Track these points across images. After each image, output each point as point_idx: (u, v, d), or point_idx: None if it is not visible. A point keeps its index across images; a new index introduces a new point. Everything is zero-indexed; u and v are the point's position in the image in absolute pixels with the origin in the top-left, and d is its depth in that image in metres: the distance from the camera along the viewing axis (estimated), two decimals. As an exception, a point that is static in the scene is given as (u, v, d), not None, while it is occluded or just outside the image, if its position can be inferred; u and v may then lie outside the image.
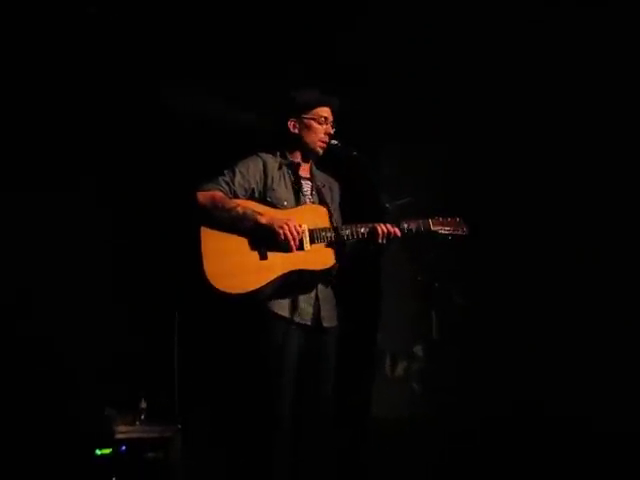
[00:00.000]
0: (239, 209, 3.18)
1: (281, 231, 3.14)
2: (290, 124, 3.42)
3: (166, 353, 4.43)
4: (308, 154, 3.46)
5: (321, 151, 3.44)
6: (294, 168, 3.43)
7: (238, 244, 3.17)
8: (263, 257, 3.16)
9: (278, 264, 3.16)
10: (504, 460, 4.39)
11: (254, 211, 3.19)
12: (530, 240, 4.59)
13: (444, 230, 3.37)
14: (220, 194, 3.21)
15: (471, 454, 4.49)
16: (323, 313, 3.29)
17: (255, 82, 4.72)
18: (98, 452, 4.02)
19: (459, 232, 3.39)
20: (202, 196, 3.20)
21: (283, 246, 3.15)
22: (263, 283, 3.13)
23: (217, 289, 3.06)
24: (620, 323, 4.22)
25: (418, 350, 5.28)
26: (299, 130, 3.41)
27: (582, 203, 4.46)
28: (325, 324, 3.30)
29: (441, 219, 3.38)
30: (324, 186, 3.51)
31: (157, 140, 4.70)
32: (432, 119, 5.16)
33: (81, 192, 4.50)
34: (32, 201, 4.31)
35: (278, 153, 3.44)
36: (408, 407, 5.16)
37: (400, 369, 5.35)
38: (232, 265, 3.12)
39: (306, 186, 3.44)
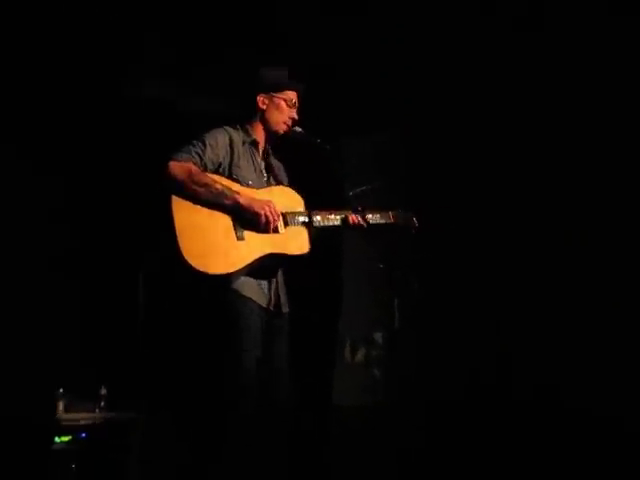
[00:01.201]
0: (217, 185, 3.12)
1: (262, 212, 3.12)
2: (259, 99, 3.37)
3: (127, 337, 4.40)
4: (269, 134, 3.43)
5: (282, 133, 3.41)
6: (256, 147, 3.41)
7: (213, 221, 3.10)
8: (240, 237, 3.12)
9: (256, 246, 3.13)
10: (465, 446, 4.45)
11: (231, 189, 3.15)
12: (494, 226, 4.62)
13: (401, 223, 3.44)
14: (195, 167, 3.13)
15: (432, 440, 4.54)
16: (282, 298, 3.30)
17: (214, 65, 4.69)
18: (57, 440, 4.00)
19: (411, 226, 3.46)
20: (177, 167, 3.10)
21: (261, 228, 3.14)
22: (241, 265, 3.08)
23: (194, 268, 2.98)
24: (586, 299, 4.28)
25: (378, 337, 5.33)
26: (267, 107, 3.38)
27: (550, 179, 4.48)
28: (283, 310, 3.31)
29: (398, 212, 3.46)
30: (278, 169, 3.52)
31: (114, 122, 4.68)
32: (387, 109, 5.18)
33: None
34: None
35: (240, 128, 3.39)
36: (369, 394, 5.20)
37: (360, 355, 5.39)
38: (209, 244, 3.05)
39: (264, 167, 3.43)
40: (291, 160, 3.59)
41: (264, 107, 3.39)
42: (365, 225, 3.36)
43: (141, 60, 4.73)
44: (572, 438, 4.09)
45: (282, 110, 3.38)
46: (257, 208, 3.13)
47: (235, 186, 3.19)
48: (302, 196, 3.40)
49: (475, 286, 4.65)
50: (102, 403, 4.22)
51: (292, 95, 3.40)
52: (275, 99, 3.37)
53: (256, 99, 3.38)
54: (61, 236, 4.49)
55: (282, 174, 3.52)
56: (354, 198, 3.46)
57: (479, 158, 4.79)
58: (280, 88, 3.38)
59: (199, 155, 3.16)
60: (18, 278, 4.27)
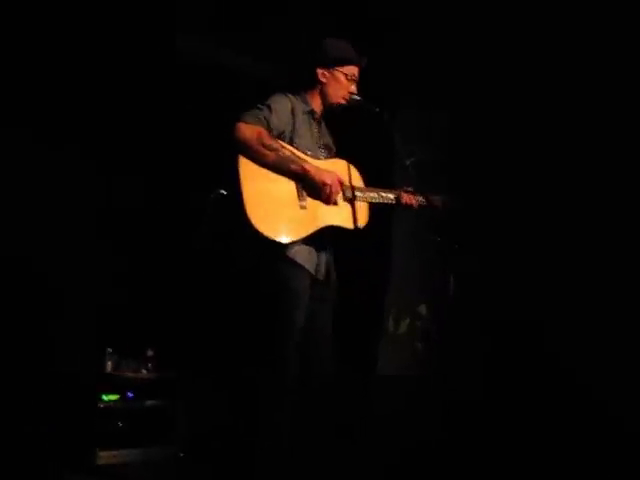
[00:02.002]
0: (285, 151, 3.12)
1: (328, 182, 3.12)
2: (319, 72, 3.34)
3: (173, 299, 4.45)
4: (326, 105, 3.40)
5: (339, 107, 3.39)
6: (314, 117, 3.39)
7: (278, 187, 3.10)
8: (303, 206, 3.12)
9: (317, 217, 3.14)
10: (506, 422, 4.43)
11: (299, 156, 3.16)
12: (548, 208, 4.56)
13: (449, 208, 3.45)
14: (265, 131, 3.11)
15: (474, 414, 4.53)
16: (331, 268, 3.31)
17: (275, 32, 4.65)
18: (104, 398, 4.07)
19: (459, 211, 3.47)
20: (247, 128, 3.08)
21: (324, 198, 3.14)
22: (303, 235, 3.09)
23: (261, 233, 2.99)
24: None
25: (422, 309, 5.31)
26: (327, 80, 3.35)
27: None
28: (332, 278, 3.31)
29: (447, 197, 3.47)
30: (329, 142, 3.50)
31: (172, 89, 4.65)
32: (440, 86, 5.11)
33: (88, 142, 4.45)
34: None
35: (299, 97, 3.36)
36: (411, 365, 5.20)
37: (404, 326, 5.38)
38: (273, 209, 3.05)
39: (319, 138, 3.41)
40: (341, 128, 3.56)
41: (324, 80, 3.36)
42: (415, 206, 3.37)
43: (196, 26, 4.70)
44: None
45: (342, 84, 3.35)
46: (324, 178, 3.14)
47: (300, 154, 3.19)
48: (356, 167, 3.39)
49: (529, 264, 4.59)
50: (149, 364, 4.28)
51: (353, 69, 3.36)
52: (336, 73, 3.34)
53: (316, 71, 3.35)
54: (114, 194, 4.50)
55: (333, 147, 3.50)
56: (411, 167, 3.43)
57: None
58: (342, 62, 3.34)
59: (266, 119, 3.15)
60: (68, 239, 4.31)
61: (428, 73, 5.09)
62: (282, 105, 3.24)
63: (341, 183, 3.20)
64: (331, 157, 3.40)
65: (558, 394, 4.32)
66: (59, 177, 4.22)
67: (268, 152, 3.08)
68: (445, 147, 5.25)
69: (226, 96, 4.55)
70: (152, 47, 4.55)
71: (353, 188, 3.26)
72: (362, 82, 3.41)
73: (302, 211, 3.12)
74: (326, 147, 3.42)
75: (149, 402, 4.19)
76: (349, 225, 3.22)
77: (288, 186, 3.13)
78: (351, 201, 3.25)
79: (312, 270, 3.18)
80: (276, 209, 3.07)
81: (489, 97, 4.93)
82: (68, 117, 4.24)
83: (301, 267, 3.14)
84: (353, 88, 3.36)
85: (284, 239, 3.05)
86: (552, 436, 4.22)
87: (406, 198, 3.35)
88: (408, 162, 3.41)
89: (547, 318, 4.45)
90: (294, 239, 3.08)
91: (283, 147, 3.13)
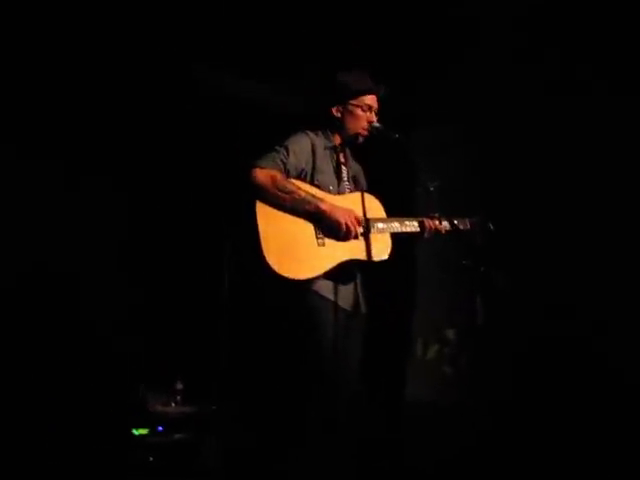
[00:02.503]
0: (301, 192, 3.14)
1: (343, 221, 3.13)
2: (333, 109, 3.37)
3: (204, 334, 4.46)
4: (347, 139, 3.42)
5: (361, 139, 3.40)
6: (337, 152, 3.40)
7: (296, 227, 3.13)
8: (321, 244, 3.15)
9: (336, 252, 3.15)
10: (533, 446, 4.37)
11: (314, 196, 3.16)
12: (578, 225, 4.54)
13: (477, 229, 3.45)
14: (280, 174, 3.15)
15: (501, 441, 4.48)
16: (360, 299, 3.30)
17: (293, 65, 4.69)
18: (135, 432, 4.07)
19: (487, 232, 3.44)
20: (261, 174, 3.12)
21: (341, 236, 3.15)
22: (321, 271, 3.11)
23: (276, 272, 3.01)
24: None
25: (450, 334, 5.28)
26: (342, 115, 3.36)
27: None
28: (362, 310, 3.31)
29: (475, 219, 3.47)
30: (358, 172, 3.51)
31: (191, 120, 4.72)
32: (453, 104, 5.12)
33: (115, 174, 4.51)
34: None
35: (321, 134, 3.38)
36: (440, 391, 5.16)
37: (432, 352, 5.35)
38: (290, 249, 3.08)
39: (344, 172, 3.41)
40: (370, 158, 3.57)
41: (339, 116, 3.37)
42: (442, 232, 3.36)
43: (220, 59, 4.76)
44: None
45: (359, 116, 3.36)
46: (338, 216, 3.14)
47: (317, 192, 3.21)
48: (380, 196, 3.39)
49: (558, 283, 4.55)
50: (178, 397, 4.28)
51: (369, 99, 3.36)
52: (350, 107, 3.35)
53: (330, 109, 3.37)
54: (145, 232, 4.59)
55: (362, 178, 3.51)
56: (435, 192, 3.42)
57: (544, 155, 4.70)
58: (354, 95, 3.35)
59: (282, 162, 3.18)
60: (104, 275, 4.36)
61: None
62: (300, 145, 3.27)
63: (357, 219, 3.19)
64: (356, 190, 3.40)
65: (593, 418, 4.26)
66: (87, 208, 4.31)
67: (284, 195, 3.11)
68: (468, 168, 5.23)
69: (245, 129, 4.59)
70: (169, 79, 4.62)
71: (373, 221, 3.25)
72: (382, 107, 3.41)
73: (321, 248, 3.14)
74: (353, 180, 3.44)
75: (179, 435, 4.18)
76: (370, 258, 3.21)
77: (305, 226, 3.15)
78: (372, 234, 3.24)
79: (339, 302, 3.17)
80: (293, 248, 3.09)
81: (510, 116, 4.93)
82: (98, 149, 4.34)
83: (326, 299, 3.15)
84: (371, 117, 3.36)
85: (302, 276, 3.06)
86: (587, 461, 4.16)
87: (431, 225, 3.34)
88: (432, 187, 3.39)
89: (577, 339, 4.41)
90: (312, 275, 3.09)
91: (299, 188, 3.15)
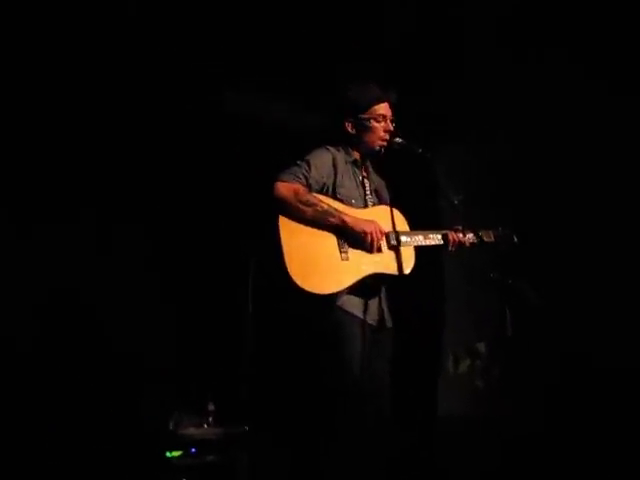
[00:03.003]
0: (323, 205, 3.14)
1: (367, 231, 3.12)
2: (347, 125, 3.36)
3: (232, 354, 4.47)
4: (368, 153, 3.42)
5: (381, 149, 3.38)
6: (358, 166, 3.40)
7: (319, 240, 3.12)
8: (345, 257, 3.14)
9: (360, 266, 3.14)
10: (565, 459, 4.32)
11: (336, 209, 3.17)
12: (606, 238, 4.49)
13: (501, 241, 3.43)
14: (302, 187, 3.15)
15: (536, 454, 4.43)
16: (385, 314, 3.28)
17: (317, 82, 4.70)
18: (168, 454, 4.08)
19: (512, 244, 3.43)
20: (284, 187, 3.13)
21: (366, 247, 3.14)
22: (345, 285, 3.09)
23: (300, 287, 3.00)
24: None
25: (481, 347, 5.24)
26: (357, 131, 3.35)
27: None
28: (388, 325, 3.29)
29: (499, 231, 3.45)
30: (380, 186, 3.51)
31: (220, 142, 4.76)
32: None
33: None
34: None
35: (341, 149, 3.37)
36: (473, 404, 5.12)
37: (464, 366, 5.31)
38: (314, 263, 3.07)
39: (367, 186, 3.41)
40: (393, 172, 3.57)
41: (353, 131, 3.36)
42: (466, 244, 3.34)
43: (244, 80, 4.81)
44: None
45: (373, 129, 3.34)
46: (362, 227, 3.14)
47: (339, 205, 3.20)
48: (404, 210, 3.38)
49: (590, 297, 4.50)
50: (210, 418, 4.29)
51: (380, 109, 3.34)
52: (362, 121, 3.33)
53: (344, 124, 3.36)
54: (170, 252, 4.63)
55: (384, 191, 3.50)
56: (460, 205, 3.40)
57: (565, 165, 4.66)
58: (365, 106, 3.33)
59: (304, 176, 3.18)
60: (137, 301, 4.42)
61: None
62: (322, 159, 3.27)
63: (382, 231, 3.18)
64: (379, 204, 3.39)
65: (625, 430, 4.19)
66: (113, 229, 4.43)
67: (306, 208, 3.11)
68: (493, 180, 5.21)
69: (268, 149, 4.62)
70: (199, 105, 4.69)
71: (397, 234, 3.24)
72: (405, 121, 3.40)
73: (344, 262, 3.13)
74: (375, 193, 3.43)
75: (212, 457, 4.18)
76: (394, 272, 3.20)
77: (329, 239, 3.14)
78: (395, 247, 3.22)
79: (365, 317, 3.16)
80: (316, 262, 3.08)
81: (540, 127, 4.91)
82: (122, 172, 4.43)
83: (351, 314, 3.13)
84: (388, 125, 3.34)
85: (326, 290, 3.06)
86: (618, 472, 4.10)
87: (455, 237, 3.33)
88: (457, 200, 3.38)
89: (608, 350, 4.36)
90: (336, 290, 3.08)
91: (321, 201, 3.15)
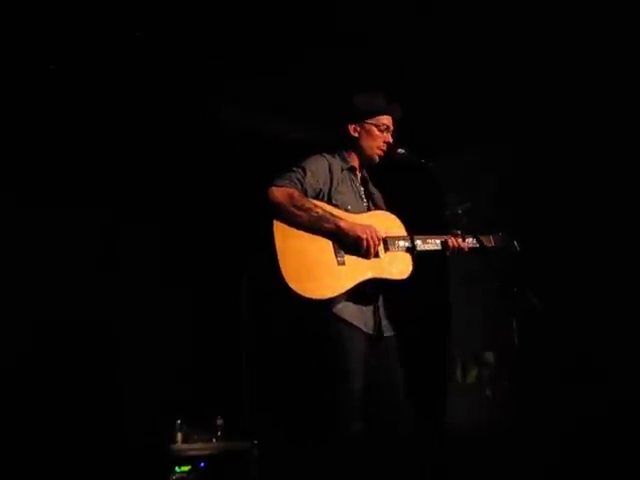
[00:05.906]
0: (318, 210, 3.12)
1: (363, 236, 3.10)
2: (351, 128, 3.38)
3: (235, 367, 4.48)
4: (364, 160, 3.42)
5: (377, 159, 3.40)
6: (354, 173, 3.41)
7: (314, 246, 3.09)
8: (341, 262, 3.10)
9: (356, 271, 3.11)
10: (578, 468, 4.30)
11: (332, 214, 3.15)
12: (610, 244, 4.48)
13: (501, 246, 3.39)
14: (297, 192, 3.14)
15: (547, 461, 4.41)
16: (383, 323, 3.24)
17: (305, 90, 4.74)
18: (177, 470, 4.09)
19: (512, 249, 3.39)
20: (279, 192, 3.11)
21: (362, 252, 3.12)
22: (342, 290, 3.06)
23: (295, 292, 2.96)
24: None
25: (489, 356, 5.23)
26: (359, 134, 3.38)
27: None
28: (386, 334, 3.24)
29: (499, 236, 3.40)
30: (374, 193, 3.50)
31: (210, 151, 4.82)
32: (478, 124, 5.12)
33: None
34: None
35: (337, 155, 3.39)
36: (482, 413, 5.11)
37: (472, 376, 5.30)
38: (309, 268, 3.04)
39: (363, 193, 3.41)
40: (390, 183, 3.57)
41: (356, 135, 3.38)
42: (466, 249, 3.32)
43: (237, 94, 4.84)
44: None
45: (374, 136, 3.36)
46: (358, 232, 3.11)
47: (335, 211, 3.19)
48: (401, 218, 3.37)
49: (596, 303, 4.49)
50: (219, 433, 4.29)
51: (385, 120, 3.37)
52: (367, 126, 3.36)
53: (347, 127, 3.38)
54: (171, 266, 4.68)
55: (381, 202, 3.49)
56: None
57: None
58: (372, 114, 3.36)
59: (299, 181, 3.17)
60: (145, 323, 4.46)
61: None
62: (317, 165, 3.27)
63: (378, 235, 3.15)
64: (374, 209, 3.38)
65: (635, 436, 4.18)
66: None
67: (301, 213, 3.09)
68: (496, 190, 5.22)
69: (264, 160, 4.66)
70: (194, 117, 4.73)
71: (395, 238, 3.23)
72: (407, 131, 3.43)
73: (340, 267, 3.09)
74: (371, 200, 3.42)
75: (221, 471, 4.19)
76: (391, 276, 3.18)
77: (324, 244, 3.11)
78: (393, 252, 3.21)
79: (362, 326, 3.13)
80: (311, 267, 3.05)
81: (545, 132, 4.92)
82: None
83: (349, 324, 3.10)
84: (387, 137, 3.37)
85: (321, 295, 3.02)
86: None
87: (454, 243, 3.28)
88: (460, 210, 3.38)
89: (618, 357, 4.34)
90: (332, 295, 3.04)
91: (316, 206, 3.13)
